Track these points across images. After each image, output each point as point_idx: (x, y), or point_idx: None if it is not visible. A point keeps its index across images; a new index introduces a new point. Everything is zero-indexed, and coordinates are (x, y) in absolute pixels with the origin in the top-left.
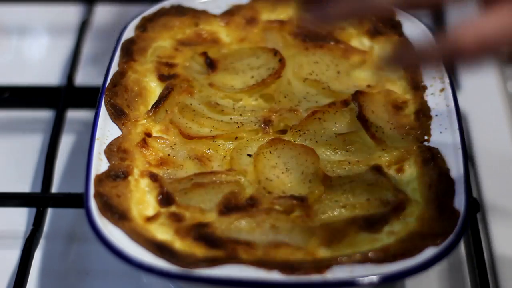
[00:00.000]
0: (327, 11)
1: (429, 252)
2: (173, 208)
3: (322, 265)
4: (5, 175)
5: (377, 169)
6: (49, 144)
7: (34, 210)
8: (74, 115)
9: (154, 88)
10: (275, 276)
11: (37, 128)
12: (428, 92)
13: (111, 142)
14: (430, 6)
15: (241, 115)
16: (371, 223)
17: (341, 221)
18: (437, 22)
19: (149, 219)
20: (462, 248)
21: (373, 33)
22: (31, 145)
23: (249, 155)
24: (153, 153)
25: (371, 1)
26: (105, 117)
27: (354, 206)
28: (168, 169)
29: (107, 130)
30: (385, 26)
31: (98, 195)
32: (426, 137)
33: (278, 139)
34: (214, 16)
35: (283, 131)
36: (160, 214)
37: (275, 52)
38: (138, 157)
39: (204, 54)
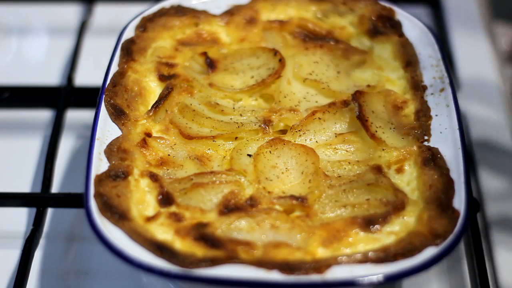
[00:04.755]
0: None
1: (429, 252)
2: (173, 208)
3: (321, 265)
4: (5, 175)
5: (377, 169)
6: (49, 144)
7: (34, 210)
8: (74, 115)
9: (154, 88)
10: (275, 276)
11: (37, 128)
12: (428, 92)
13: (111, 142)
14: None
15: (241, 115)
16: (371, 223)
17: (341, 221)
18: (437, 22)
19: (149, 219)
20: (462, 248)
21: (373, 33)
22: (31, 145)
23: (249, 155)
24: (153, 153)
25: None
26: (105, 117)
27: (354, 206)
28: (168, 169)
29: (107, 130)
30: (385, 26)
31: (98, 195)
32: (426, 137)
33: (278, 139)
34: (214, 16)
35: (283, 131)
36: (160, 214)
37: (275, 52)
38: (138, 157)
39: (204, 54)
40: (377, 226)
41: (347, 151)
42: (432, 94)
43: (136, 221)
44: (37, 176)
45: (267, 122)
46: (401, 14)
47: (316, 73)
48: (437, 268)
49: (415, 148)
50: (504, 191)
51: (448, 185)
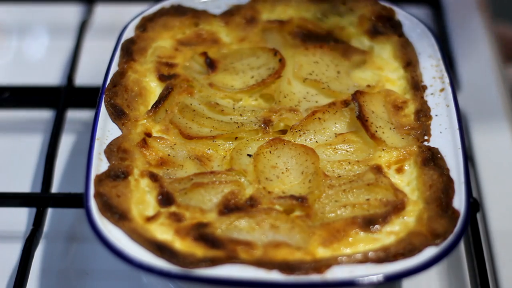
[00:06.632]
0: None
1: (429, 252)
2: (173, 208)
3: (321, 265)
4: (5, 175)
5: (377, 169)
6: (49, 144)
7: (34, 210)
8: (74, 115)
9: (154, 88)
10: (274, 276)
11: (37, 128)
12: (428, 92)
13: (111, 142)
14: None
15: (241, 115)
16: (371, 223)
17: (341, 221)
18: (437, 22)
19: (149, 219)
20: (462, 248)
21: (373, 33)
22: (31, 145)
23: (249, 155)
24: (153, 153)
25: None
26: (105, 117)
27: (354, 206)
28: (168, 169)
29: (107, 130)
30: (385, 26)
31: (98, 195)
32: (426, 137)
33: (278, 139)
34: (214, 16)
35: (283, 131)
36: (160, 214)
37: (275, 52)
38: (138, 157)
39: (204, 54)
40: (377, 226)
41: (347, 151)
42: (432, 94)
43: (136, 221)
44: (37, 176)
45: (267, 122)
46: (401, 14)
47: (316, 73)
48: (437, 268)
49: (415, 148)
50: (504, 191)
51: (448, 185)
